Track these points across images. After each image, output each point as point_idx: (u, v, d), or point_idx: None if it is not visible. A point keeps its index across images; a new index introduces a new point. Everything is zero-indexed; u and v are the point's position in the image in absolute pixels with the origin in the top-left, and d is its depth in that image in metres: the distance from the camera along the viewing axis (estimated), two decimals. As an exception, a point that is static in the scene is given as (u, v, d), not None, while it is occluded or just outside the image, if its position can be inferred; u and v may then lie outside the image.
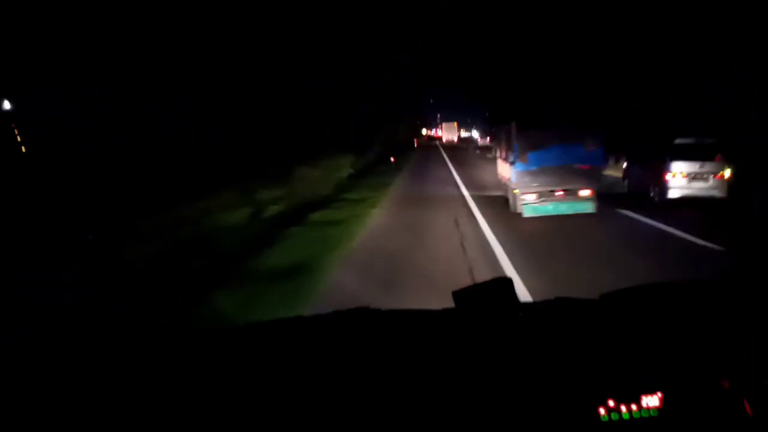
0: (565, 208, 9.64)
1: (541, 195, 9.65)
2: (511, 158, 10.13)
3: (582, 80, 11.22)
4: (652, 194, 11.69)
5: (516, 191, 10.04)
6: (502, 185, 11.93)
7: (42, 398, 1.03)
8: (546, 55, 17.90)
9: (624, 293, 1.37)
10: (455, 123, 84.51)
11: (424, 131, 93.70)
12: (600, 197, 9.84)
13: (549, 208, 9.66)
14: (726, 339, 1.10)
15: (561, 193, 9.62)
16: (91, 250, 6.27)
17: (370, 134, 32.95)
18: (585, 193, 9.60)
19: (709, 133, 11.61)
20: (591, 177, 9.66)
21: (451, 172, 22.30)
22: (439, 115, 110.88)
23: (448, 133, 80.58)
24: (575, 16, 21.45)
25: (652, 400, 1.02)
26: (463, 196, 13.70)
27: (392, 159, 25.93)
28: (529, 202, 9.70)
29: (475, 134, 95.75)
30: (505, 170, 11.09)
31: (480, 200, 12.69)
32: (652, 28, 21.13)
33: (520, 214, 9.86)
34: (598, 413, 1.01)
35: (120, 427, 0.97)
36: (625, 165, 14.42)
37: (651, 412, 1.02)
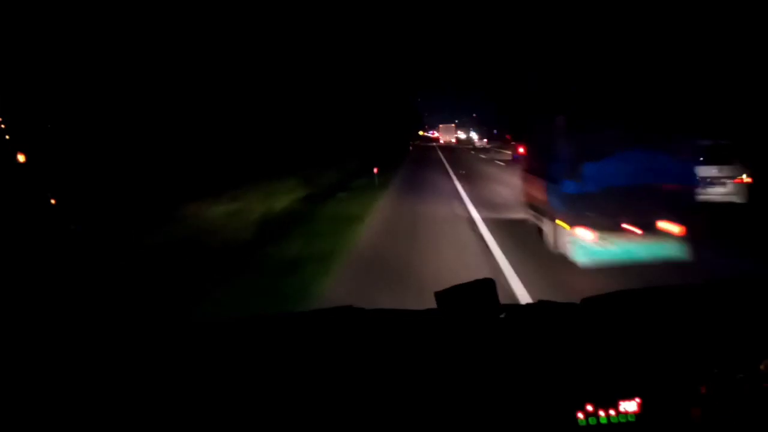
0: (643, 252, 6.01)
1: (604, 231, 6.03)
2: (555, 172, 6.51)
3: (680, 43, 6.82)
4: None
5: (561, 224, 6.43)
6: (532, 209, 8.27)
7: (41, 392, 1.04)
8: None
9: (605, 298, 1.37)
10: (453, 124, 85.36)
11: (420, 133, 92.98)
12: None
13: (616, 252, 6.02)
14: (704, 345, 1.12)
15: (636, 229, 6.00)
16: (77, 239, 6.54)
17: (351, 139, 28.90)
18: (673, 229, 5.99)
19: (725, 135, 10.66)
20: (683, 203, 6.08)
21: (451, 181, 18.65)
22: (434, 117, 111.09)
23: (445, 134, 79.32)
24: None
25: (630, 405, 1.02)
26: (472, 220, 10.05)
27: (375, 170, 17.43)
28: (584, 242, 6.06)
29: (474, 136, 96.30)
30: (539, 189, 7.47)
31: (498, 228, 9.02)
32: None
33: (565, 258, 6.26)
34: (577, 417, 1.01)
35: (114, 420, 0.98)
36: None
37: (629, 417, 1.02)
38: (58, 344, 1.32)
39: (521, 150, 33.19)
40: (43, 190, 7.75)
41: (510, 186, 15.91)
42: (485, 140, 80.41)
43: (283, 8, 19.16)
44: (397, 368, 1.08)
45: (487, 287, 1.24)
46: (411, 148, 50.69)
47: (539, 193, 7.56)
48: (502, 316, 1.27)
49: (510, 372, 1.07)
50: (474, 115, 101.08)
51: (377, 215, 11.12)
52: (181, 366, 1.15)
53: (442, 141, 76.54)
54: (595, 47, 6.33)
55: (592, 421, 1.02)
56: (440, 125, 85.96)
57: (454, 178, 20.14)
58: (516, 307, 1.39)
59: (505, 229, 8.93)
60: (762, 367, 1.05)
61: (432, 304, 1.28)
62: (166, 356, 1.21)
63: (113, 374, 1.11)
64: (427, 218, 10.51)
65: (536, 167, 7.67)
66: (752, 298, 1.36)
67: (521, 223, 9.04)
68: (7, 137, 10.06)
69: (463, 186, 16.67)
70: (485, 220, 9.84)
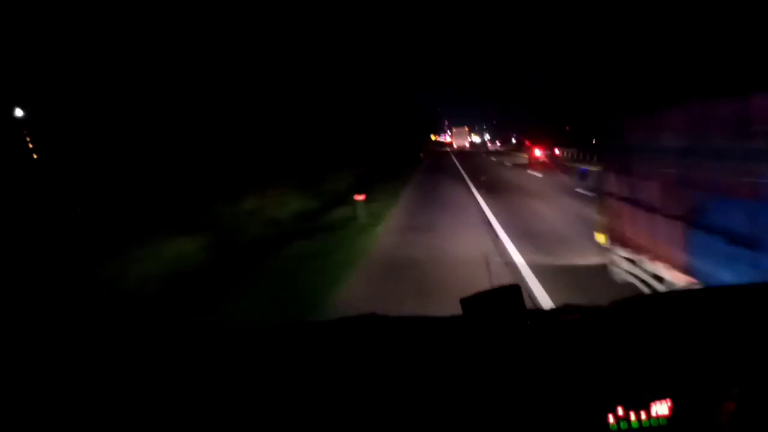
0: None
1: None
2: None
3: None
4: None
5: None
6: (633, 258, 4.73)
7: (39, 392, 1.05)
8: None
9: (633, 301, 1.38)
10: (466, 127, 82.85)
11: (432, 137, 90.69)
12: None
13: None
14: (737, 346, 1.10)
15: None
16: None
17: (348, 145, 25.53)
18: None
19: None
20: None
21: (478, 206, 12.42)
22: (447, 122, 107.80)
23: (459, 138, 76.79)
24: None
25: (661, 408, 1.01)
26: (520, 275, 6.39)
27: (359, 198, 10.87)
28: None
29: (487, 138, 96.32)
30: (668, 236, 3.91)
31: (563, 289, 5.41)
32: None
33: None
34: (607, 421, 1.00)
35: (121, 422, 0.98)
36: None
37: (660, 421, 1.01)
38: (59, 342, 1.32)
39: (537, 153, 30.06)
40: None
41: (551, 202, 12.49)
42: (498, 143, 77.76)
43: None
44: (421, 376, 1.07)
45: (513, 293, 1.23)
46: (422, 157, 43.25)
47: (647, 231, 4.18)
48: (528, 322, 1.24)
49: (539, 377, 1.05)
50: (494, 122, 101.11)
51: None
52: (204, 374, 1.13)
53: (455, 146, 73.89)
54: None
55: (623, 425, 1.00)
56: (454, 128, 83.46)
57: (474, 189, 16.31)
58: (543, 312, 1.40)
59: (575, 290, 5.36)
60: None
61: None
62: (186, 362, 1.19)
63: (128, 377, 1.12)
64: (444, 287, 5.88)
65: (666, 203, 3.95)
66: None
67: (597, 273, 5.51)
68: (35, 156, 11.41)
69: (488, 204, 12.66)
70: (536, 270, 6.28)
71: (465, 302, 1.22)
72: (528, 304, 1.22)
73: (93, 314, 4.87)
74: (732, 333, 1.15)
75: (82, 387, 1.11)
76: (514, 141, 68.92)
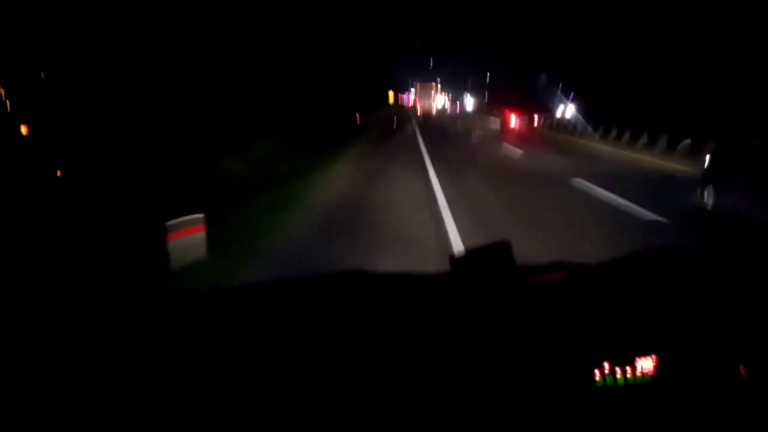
0: None
1: None
2: None
3: None
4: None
5: None
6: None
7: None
8: None
9: (621, 259, 1.37)
10: (433, 83, 57.22)
11: (390, 96, 61.48)
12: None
13: None
14: (721, 303, 1.13)
15: None
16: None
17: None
18: None
19: None
20: None
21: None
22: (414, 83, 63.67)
23: (423, 98, 54.33)
24: None
25: (646, 364, 1.03)
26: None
27: (172, 236, 4.45)
28: None
29: (469, 103, 64.36)
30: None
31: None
32: None
33: None
34: (594, 376, 1.01)
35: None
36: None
37: (645, 377, 1.03)
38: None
39: (513, 121, 26.15)
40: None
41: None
42: (458, 107, 59.87)
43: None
44: (408, 339, 1.04)
45: (504, 250, 1.23)
46: (358, 122, 26.49)
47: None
48: (516, 280, 1.25)
49: (527, 332, 1.06)
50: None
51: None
52: (176, 339, 1.07)
53: (419, 110, 52.06)
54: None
55: (609, 380, 1.01)
56: (418, 84, 57.84)
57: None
58: (531, 269, 1.37)
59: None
60: None
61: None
62: (158, 330, 1.11)
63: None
64: None
65: None
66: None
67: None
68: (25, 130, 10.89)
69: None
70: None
71: (454, 260, 1.23)
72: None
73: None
74: (717, 292, 1.18)
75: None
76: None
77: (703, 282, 1.23)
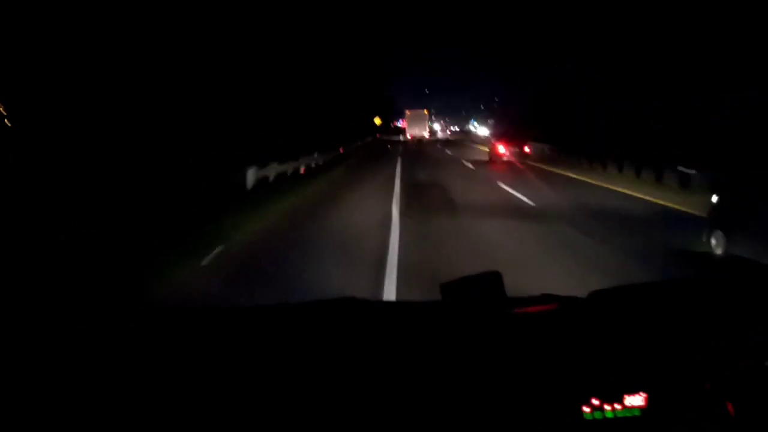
0: None
1: None
2: None
3: None
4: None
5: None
6: None
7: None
8: None
9: (612, 291, 1.36)
10: (425, 110, 58.56)
11: (377, 121, 62.72)
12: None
13: None
14: (710, 341, 1.11)
15: None
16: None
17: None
18: None
19: None
20: None
21: None
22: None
23: (414, 124, 55.21)
24: None
25: (635, 400, 1.02)
26: None
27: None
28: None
29: (437, 127, 71.28)
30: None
31: None
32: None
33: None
34: (582, 411, 1.00)
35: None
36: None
37: (634, 412, 1.02)
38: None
39: (501, 149, 26.64)
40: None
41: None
42: (448, 131, 67.17)
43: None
44: (400, 361, 1.05)
45: (494, 279, 1.22)
46: (341, 151, 29.11)
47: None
48: (507, 309, 1.25)
49: (516, 365, 1.05)
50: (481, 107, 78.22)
51: None
52: (172, 359, 1.06)
53: (409, 135, 54.43)
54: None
55: (597, 415, 1.00)
56: (407, 111, 58.98)
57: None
58: (521, 300, 1.38)
59: None
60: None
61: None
62: (152, 346, 1.11)
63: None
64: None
65: None
66: (760, 294, 1.36)
67: None
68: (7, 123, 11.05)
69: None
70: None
71: (445, 287, 1.21)
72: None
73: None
74: (709, 326, 1.17)
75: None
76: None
77: (692, 319, 1.22)
